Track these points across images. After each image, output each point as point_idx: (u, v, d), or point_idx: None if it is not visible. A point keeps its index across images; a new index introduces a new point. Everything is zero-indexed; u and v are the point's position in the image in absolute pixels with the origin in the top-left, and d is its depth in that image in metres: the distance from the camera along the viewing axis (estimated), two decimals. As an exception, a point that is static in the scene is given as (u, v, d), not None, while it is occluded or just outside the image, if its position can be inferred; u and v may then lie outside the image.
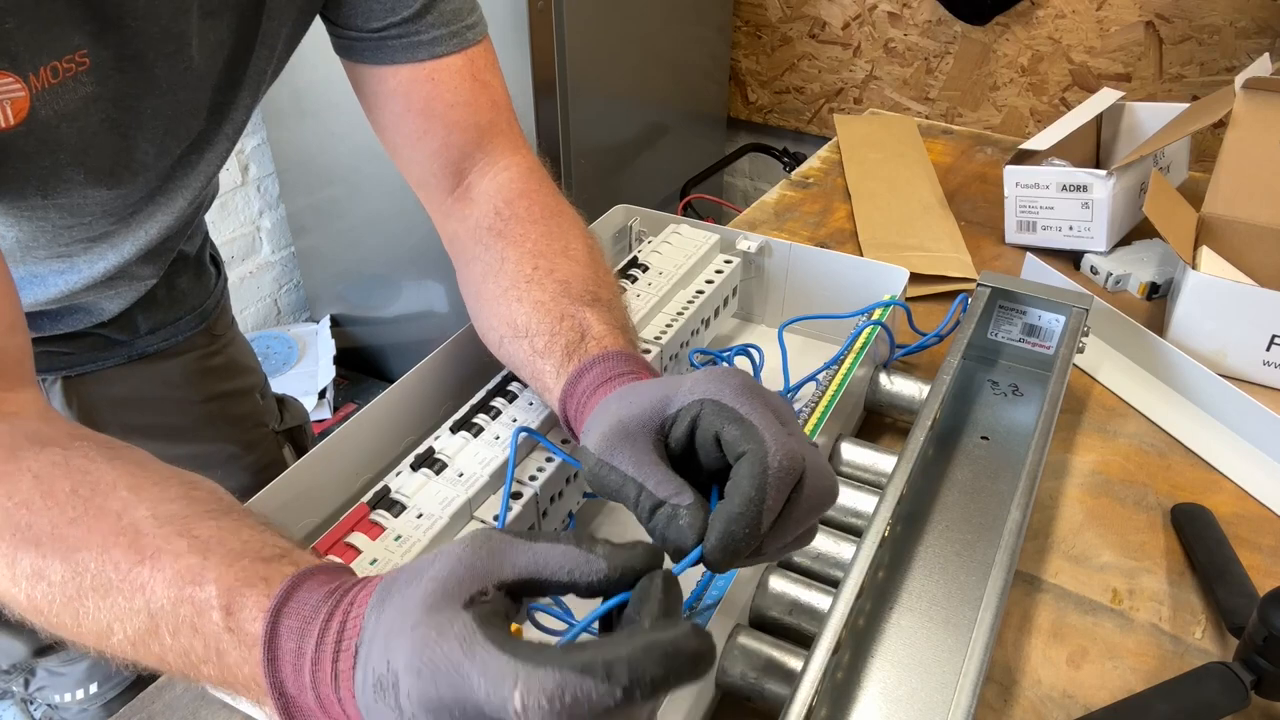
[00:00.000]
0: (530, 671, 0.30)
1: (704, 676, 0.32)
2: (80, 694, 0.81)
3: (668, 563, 0.39)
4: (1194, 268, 0.84)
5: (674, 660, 0.31)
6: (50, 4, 0.47)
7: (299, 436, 0.95)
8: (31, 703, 0.84)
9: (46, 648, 0.78)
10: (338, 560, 0.48)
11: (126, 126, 0.54)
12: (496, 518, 0.56)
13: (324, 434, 0.72)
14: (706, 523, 0.41)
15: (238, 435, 0.88)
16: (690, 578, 0.47)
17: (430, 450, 0.59)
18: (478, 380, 0.65)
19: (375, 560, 0.52)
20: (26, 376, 0.49)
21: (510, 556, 0.36)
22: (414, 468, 0.58)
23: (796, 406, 0.67)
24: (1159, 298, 0.95)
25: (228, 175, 1.98)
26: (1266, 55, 1.03)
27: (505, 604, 0.35)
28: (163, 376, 0.80)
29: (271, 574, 0.39)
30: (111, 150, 0.54)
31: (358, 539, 0.53)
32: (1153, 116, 1.08)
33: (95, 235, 0.61)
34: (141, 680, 0.60)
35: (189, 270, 0.81)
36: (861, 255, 1.00)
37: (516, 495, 0.57)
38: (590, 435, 0.46)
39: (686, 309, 0.75)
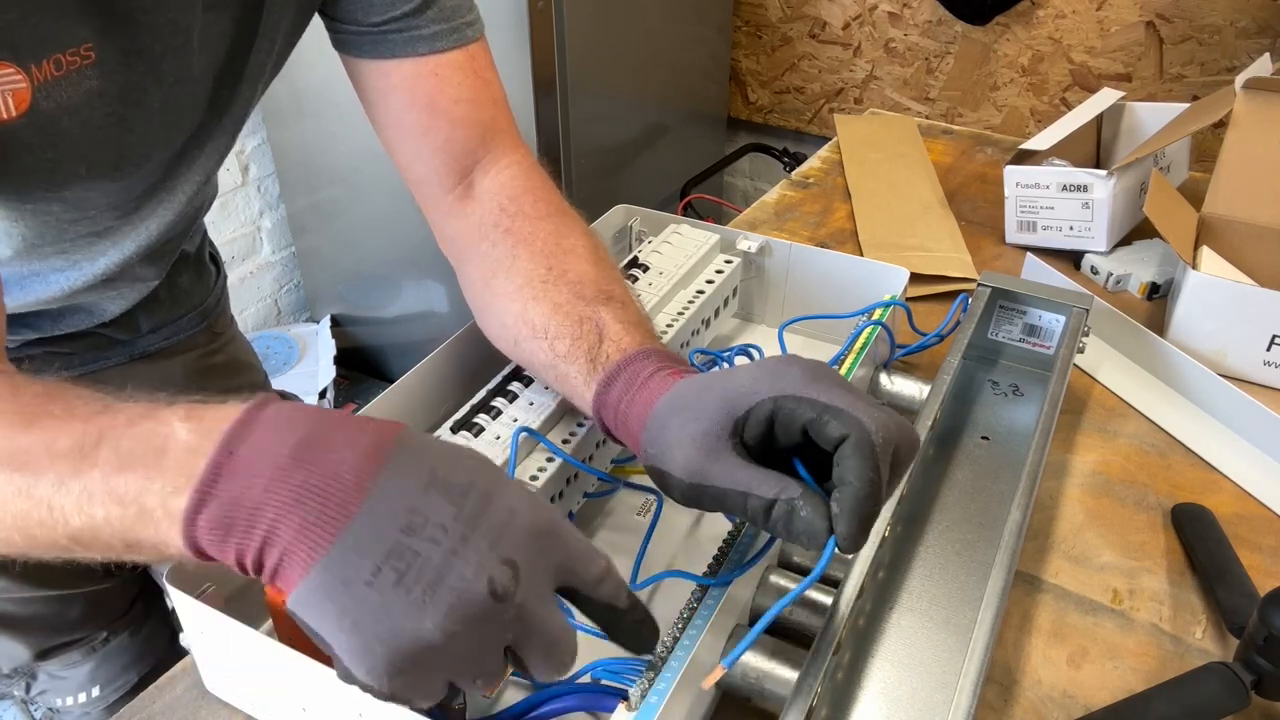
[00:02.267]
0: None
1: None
2: (82, 698, 0.81)
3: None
4: (1194, 268, 0.84)
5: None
6: None
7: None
8: (32, 705, 0.84)
9: (49, 650, 0.78)
10: None
11: (131, 120, 0.54)
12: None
13: (324, 434, 0.72)
14: (827, 507, 0.43)
15: (240, 434, 0.88)
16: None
17: (431, 450, 0.59)
18: (478, 380, 0.65)
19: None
20: None
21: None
22: (414, 468, 0.57)
23: None
24: (1159, 298, 0.95)
25: (228, 175, 1.97)
26: (1267, 55, 1.03)
27: None
28: (164, 375, 0.80)
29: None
30: (115, 143, 0.54)
31: (358, 539, 0.53)
32: (1153, 116, 1.08)
33: (99, 230, 0.61)
34: (143, 684, 0.60)
35: (190, 269, 0.81)
36: (862, 255, 1.00)
37: (517, 495, 0.57)
38: (669, 459, 0.47)
39: (687, 309, 0.75)
